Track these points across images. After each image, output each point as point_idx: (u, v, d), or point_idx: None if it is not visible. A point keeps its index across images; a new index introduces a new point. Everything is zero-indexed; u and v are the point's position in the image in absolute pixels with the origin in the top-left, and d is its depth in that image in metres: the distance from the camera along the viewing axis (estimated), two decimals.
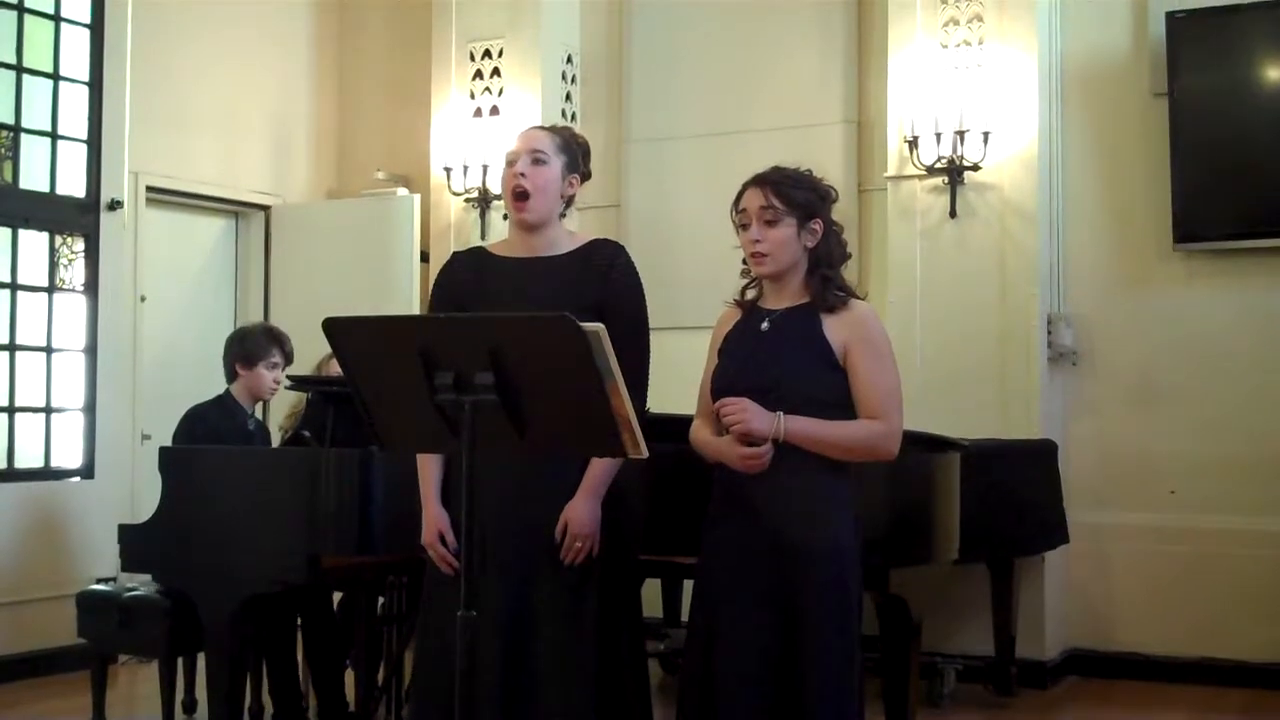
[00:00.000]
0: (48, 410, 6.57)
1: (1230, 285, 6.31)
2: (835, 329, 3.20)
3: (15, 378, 6.43)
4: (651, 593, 5.53)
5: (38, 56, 6.56)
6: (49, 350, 6.58)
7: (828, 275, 3.25)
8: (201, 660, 5.01)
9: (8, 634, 6.18)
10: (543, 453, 3.11)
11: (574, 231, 3.67)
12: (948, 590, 5.87)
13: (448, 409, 2.66)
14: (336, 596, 5.44)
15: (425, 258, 7.64)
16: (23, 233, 6.50)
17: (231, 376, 5.29)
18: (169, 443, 5.11)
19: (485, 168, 7.26)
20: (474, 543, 2.82)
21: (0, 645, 6.17)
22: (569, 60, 7.49)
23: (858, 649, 3.17)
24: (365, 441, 4.00)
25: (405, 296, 7.59)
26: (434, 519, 3.39)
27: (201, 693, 5.08)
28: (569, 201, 3.52)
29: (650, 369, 3.44)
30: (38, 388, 6.54)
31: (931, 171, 6.29)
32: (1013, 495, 5.64)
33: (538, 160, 3.42)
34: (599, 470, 3.31)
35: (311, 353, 5.54)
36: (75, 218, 6.66)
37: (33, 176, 6.55)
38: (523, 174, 3.41)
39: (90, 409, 6.67)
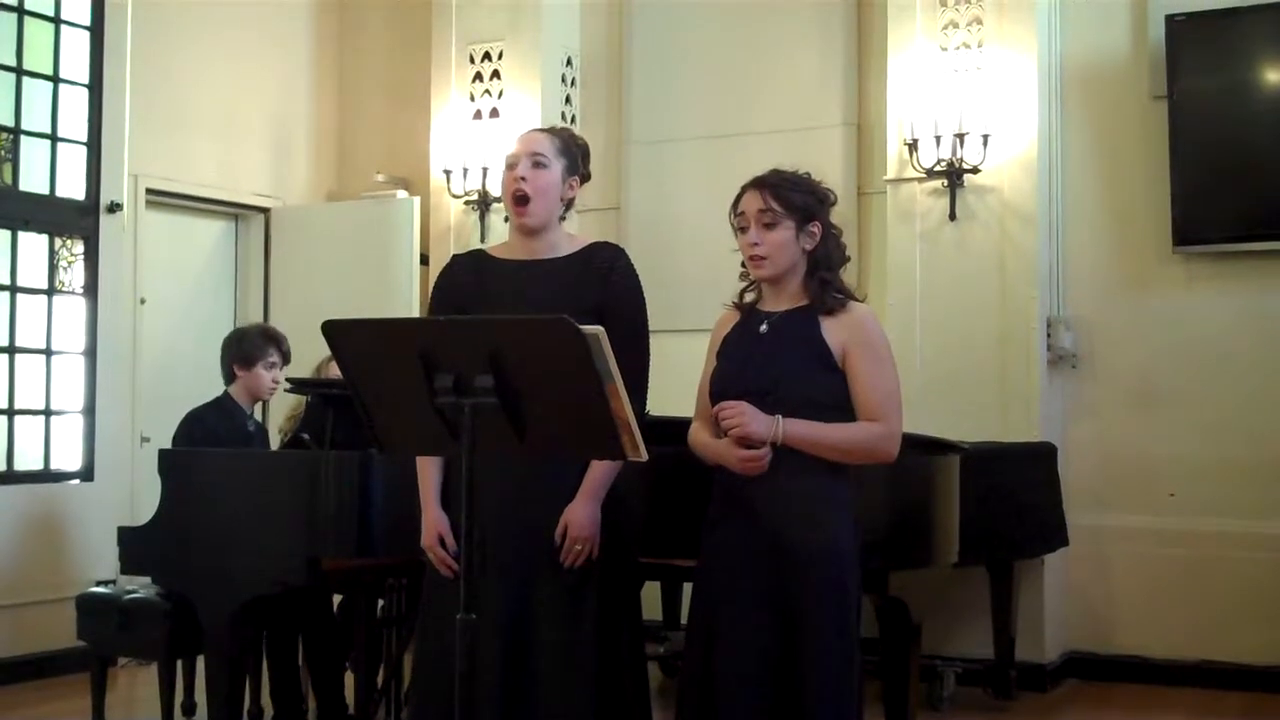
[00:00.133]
0: (47, 412, 6.58)
1: (1230, 288, 6.31)
2: (834, 331, 3.20)
3: (15, 380, 6.44)
4: (651, 595, 5.53)
5: (38, 58, 6.57)
6: (48, 352, 6.59)
7: (826, 278, 3.25)
8: (201, 663, 5.00)
9: (7, 636, 6.18)
10: (542, 455, 3.11)
11: (574, 234, 3.67)
12: (947, 593, 5.87)
13: (447, 411, 2.66)
14: (336, 599, 5.44)
15: (425, 260, 7.64)
16: (22, 235, 6.51)
17: (230, 378, 5.29)
18: (168, 445, 5.10)
19: (485, 170, 7.26)
20: (474, 545, 2.82)
21: (0, 647, 6.17)
22: (569, 63, 7.49)
23: (857, 651, 3.17)
24: (365, 444, 4.00)
25: (405, 299, 7.59)
26: (434, 521, 3.39)
27: (201, 695, 5.06)
28: (569, 204, 3.52)
29: (650, 371, 3.44)
30: (37, 390, 6.54)
31: (931, 174, 6.29)
32: (1012, 498, 5.64)
33: (538, 164, 3.42)
34: (599, 473, 3.30)
35: (311, 355, 5.54)
36: (75, 220, 6.67)
37: (32, 178, 6.56)
38: (523, 178, 3.40)
39: (90, 411, 6.67)
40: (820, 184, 3.32)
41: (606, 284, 3.39)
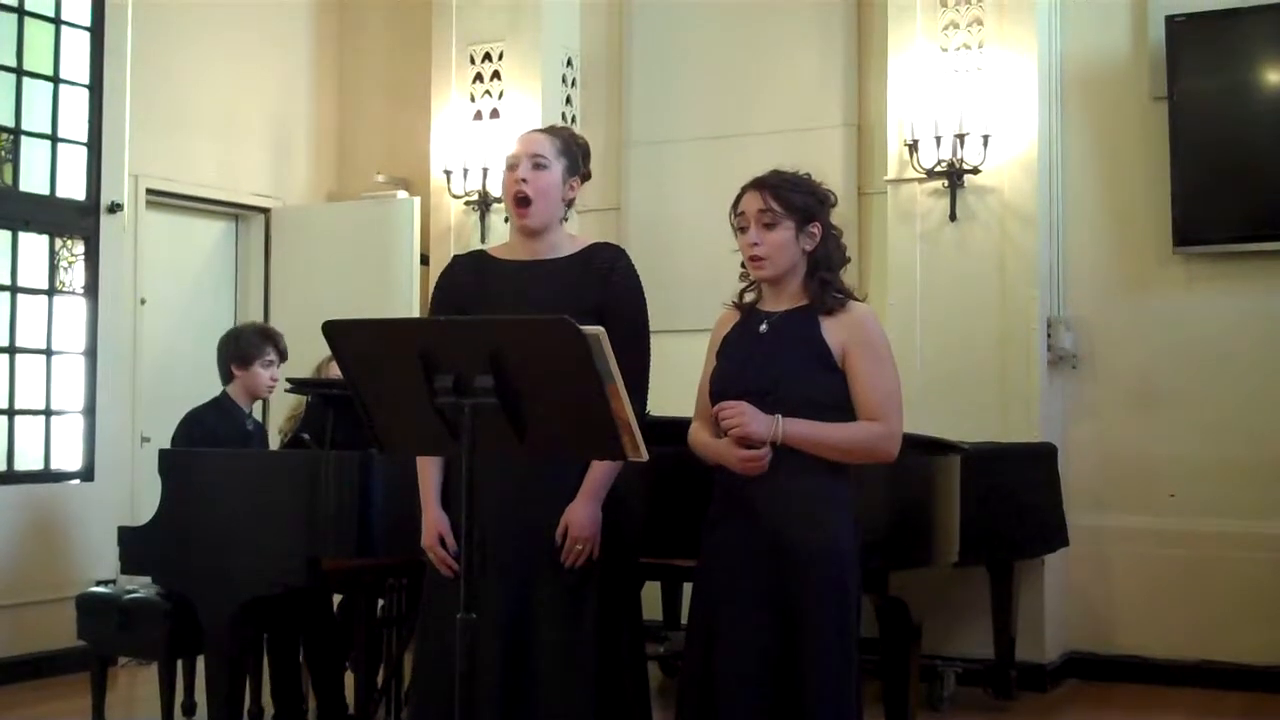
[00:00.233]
0: (47, 413, 6.58)
1: (1230, 288, 6.32)
2: (834, 331, 3.20)
3: (15, 380, 6.44)
4: (651, 595, 5.53)
5: (38, 59, 6.57)
6: (49, 353, 6.59)
7: (826, 278, 3.25)
8: (201, 663, 5.00)
9: (7, 636, 6.19)
10: (543, 456, 3.11)
11: (575, 235, 3.67)
12: (948, 593, 5.87)
13: (448, 412, 2.66)
14: (337, 598, 5.44)
15: (425, 260, 7.64)
16: (23, 235, 6.51)
17: (228, 378, 5.29)
18: (168, 445, 5.10)
19: (485, 170, 7.26)
20: (474, 545, 2.82)
21: (0, 647, 6.17)
22: (569, 63, 7.49)
23: (856, 650, 3.17)
24: (365, 444, 4.00)
25: (405, 299, 7.60)
26: (434, 521, 3.39)
27: (201, 695, 5.06)
28: (570, 204, 3.52)
29: (650, 371, 3.44)
30: (38, 390, 6.54)
31: (931, 175, 6.29)
32: (1013, 498, 5.64)
33: (538, 165, 3.42)
34: (599, 473, 3.31)
35: (311, 355, 5.54)
36: (75, 220, 6.67)
37: (33, 179, 6.56)
38: (524, 180, 3.40)
39: (90, 411, 6.67)
40: (820, 185, 3.32)
41: (607, 284, 3.39)
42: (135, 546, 4.83)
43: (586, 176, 3.56)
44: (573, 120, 7.38)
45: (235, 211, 8.06)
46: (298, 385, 5.15)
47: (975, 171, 6.22)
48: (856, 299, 3.28)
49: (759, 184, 3.27)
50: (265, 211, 8.10)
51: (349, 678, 5.08)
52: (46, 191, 6.60)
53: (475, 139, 7.33)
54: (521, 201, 3.40)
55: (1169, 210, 6.29)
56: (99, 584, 5.43)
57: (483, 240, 7.15)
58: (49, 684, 6.13)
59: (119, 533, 4.93)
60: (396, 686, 4.94)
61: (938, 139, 6.24)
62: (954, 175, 6.24)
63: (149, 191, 7.35)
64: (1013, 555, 5.89)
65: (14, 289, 6.46)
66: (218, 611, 4.50)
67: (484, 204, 7.33)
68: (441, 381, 2.63)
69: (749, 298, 3.36)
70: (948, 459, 4.41)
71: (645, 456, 2.72)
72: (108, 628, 5.00)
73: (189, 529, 4.61)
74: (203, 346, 5.40)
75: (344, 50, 8.51)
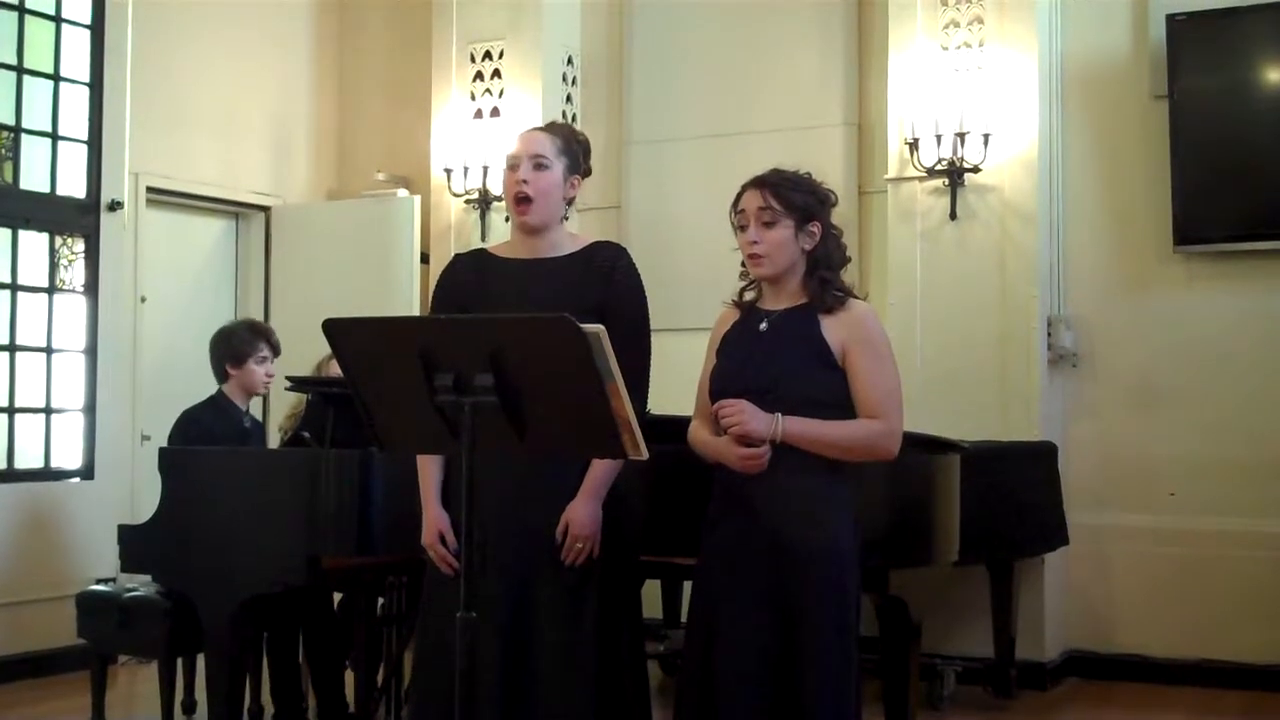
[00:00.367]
0: (47, 411, 6.58)
1: (1230, 287, 6.31)
2: (834, 329, 3.20)
3: (15, 378, 6.44)
4: (651, 594, 5.53)
5: (38, 57, 6.57)
6: (49, 351, 6.59)
7: (826, 277, 3.25)
8: (201, 661, 5.00)
9: (7, 634, 6.19)
10: (543, 454, 3.11)
11: (575, 233, 3.67)
12: (947, 592, 5.87)
13: (448, 410, 2.66)
14: (337, 597, 5.44)
15: (425, 259, 7.64)
16: (23, 233, 6.51)
17: (222, 377, 5.29)
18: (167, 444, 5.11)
19: (485, 169, 7.26)
20: (474, 544, 2.82)
21: (0, 645, 6.17)
22: (569, 61, 7.49)
23: (856, 649, 3.17)
24: (365, 442, 4.00)
25: (405, 298, 7.60)
26: (434, 520, 3.39)
27: (201, 693, 5.07)
28: (570, 202, 3.52)
29: (651, 370, 3.45)
30: (38, 388, 6.54)
31: (932, 173, 6.29)
32: (1013, 497, 5.64)
33: (539, 165, 3.42)
34: (600, 471, 3.31)
35: (311, 353, 5.54)
36: (75, 218, 6.67)
37: (33, 177, 6.56)
38: (525, 180, 3.40)
39: (90, 409, 6.67)
40: (821, 184, 3.32)
41: (608, 283, 3.39)
42: (135, 545, 4.83)
43: (587, 173, 3.56)
44: (573, 119, 7.37)
45: (235, 210, 8.06)
46: (298, 383, 5.15)
47: (976, 170, 6.22)
48: (856, 297, 3.28)
49: (759, 182, 3.27)
50: (265, 210, 8.10)
51: (349, 676, 5.09)
52: (47, 189, 6.60)
53: (475, 137, 7.33)
54: (522, 201, 3.41)
55: (1169, 209, 6.29)
56: (99, 582, 5.43)
57: (483, 239, 7.15)
58: (49, 682, 6.13)
59: (119, 531, 4.93)
60: (396, 685, 4.94)
61: (938, 138, 6.24)
62: (954, 174, 6.24)
63: (149, 189, 7.35)
64: (1013, 554, 5.89)
65: (14, 287, 6.46)
66: (218, 610, 4.50)
67: (484, 202, 7.33)
68: (441, 380, 2.63)
69: (749, 296, 3.36)
70: (948, 458, 4.41)
71: (645, 455, 2.72)
72: (108, 626, 5.00)
73: (189, 527, 4.61)
74: (203, 345, 5.39)
75: (344, 48, 8.51)
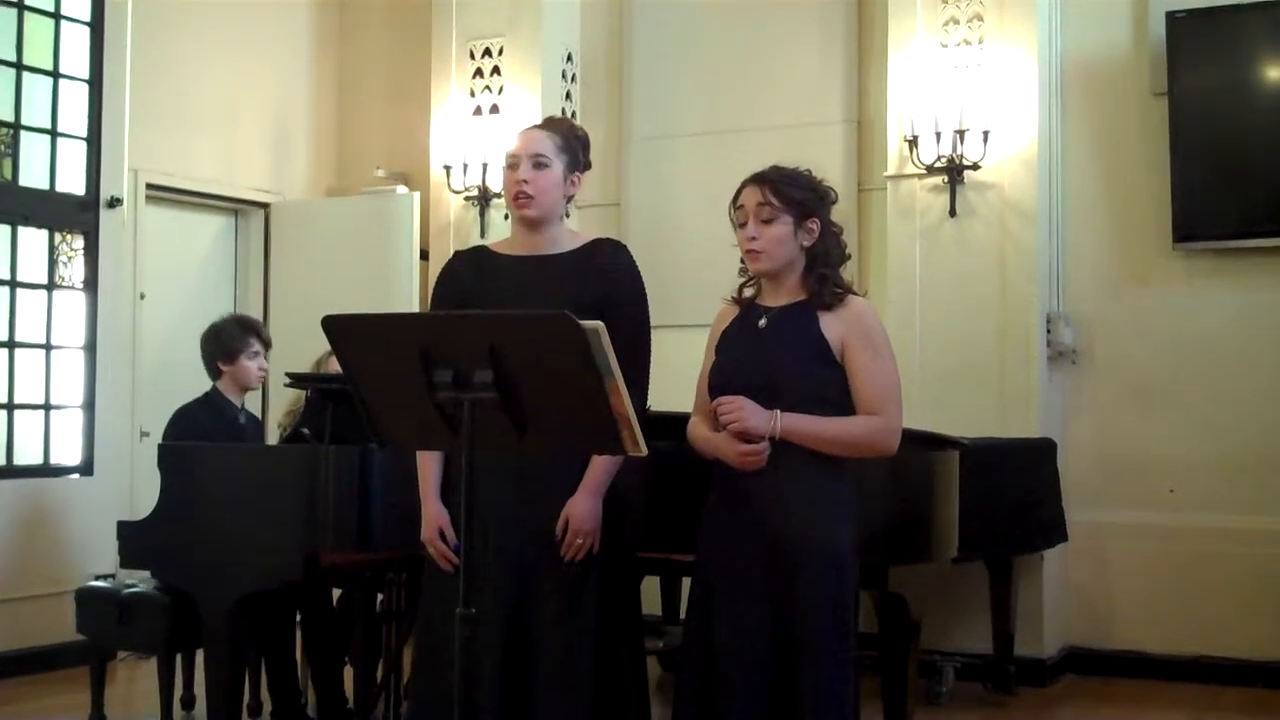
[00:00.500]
0: (47, 407, 6.58)
1: (1230, 284, 6.31)
2: (833, 325, 3.21)
3: (14, 375, 6.44)
4: (650, 591, 5.53)
5: (38, 54, 6.56)
6: (48, 347, 6.58)
7: (825, 273, 3.25)
8: (200, 657, 5.01)
9: (6, 630, 6.19)
10: (542, 451, 3.11)
11: (575, 230, 3.67)
12: (947, 588, 5.88)
13: (447, 407, 2.66)
14: (336, 593, 5.44)
15: (425, 255, 7.64)
16: (22, 230, 6.50)
17: (215, 374, 5.29)
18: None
19: (485, 166, 7.26)
20: (474, 540, 2.82)
21: (0, 641, 6.19)
22: (569, 59, 7.48)
23: (853, 646, 3.18)
24: (364, 439, 4.00)
25: (405, 294, 7.59)
26: (434, 516, 3.39)
27: (200, 689, 5.08)
28: (570, 198, 3.53)
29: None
30: (37, 385, 6.54)
31: (931, 170, 6.29)
32: (1012, 494, 5.64)
33: (539, 164, 3.42)
34: (600, 467, 3.31)
35: (311, 350, 5.54)
36: (75, 215, 6.67)
37: (32, 174, 6.55)
38: (525, 180, 3.41)
39: (89, 406, 6.67)
40: (820, 181, 3.33)
41: (608, 280, 3.40)
42: (134, 541, 4.83)
43: (586, 167, 3.56)
44: (573, 116, 7.36)
45: (235, 206, 8.05)
46: (297, 380, 5.14)
47: (975, 167, 6.22)
48: (855, 293, 3.29)
49: (758, 178, 3.28)
50: (265, 206, 8.09)
51: (348, 672, 5.09)
52: (46, 186, 6.59)
53: (475, 134, 7.33)
54: (523, 201, 3.41)
55: (1169, 206, 6.29)
56: (98, 578, 5.43)
57: (482, 235, 7.15)
58: (48, 678, 6.13)
59: (118, 527, 4.93)
60: (396, 681, 4.94)
61: (938, 135, 6.24)
62: (954, 171, 6.24)
63: (149, 186, 7.35)
64: (1012, 551, 5.89)
65: (13, 283, 6.46)
66: (217, 606, 4.50)
67: (484, 199, 7.33)
68: (441, 376, 2.63)
69: (748, 293, 3.36)
70: (947, 454, 4.42)
71: (644, 451, 2.72)
72: (107, 622, 5.00)
73: (188, 524, 4.61)
74: None
75: (344, 45, 8.50)
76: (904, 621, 4.21)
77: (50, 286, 6.60)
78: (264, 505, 4.45)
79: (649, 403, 3.46)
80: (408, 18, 8.09)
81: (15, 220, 6.47)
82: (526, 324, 2.73)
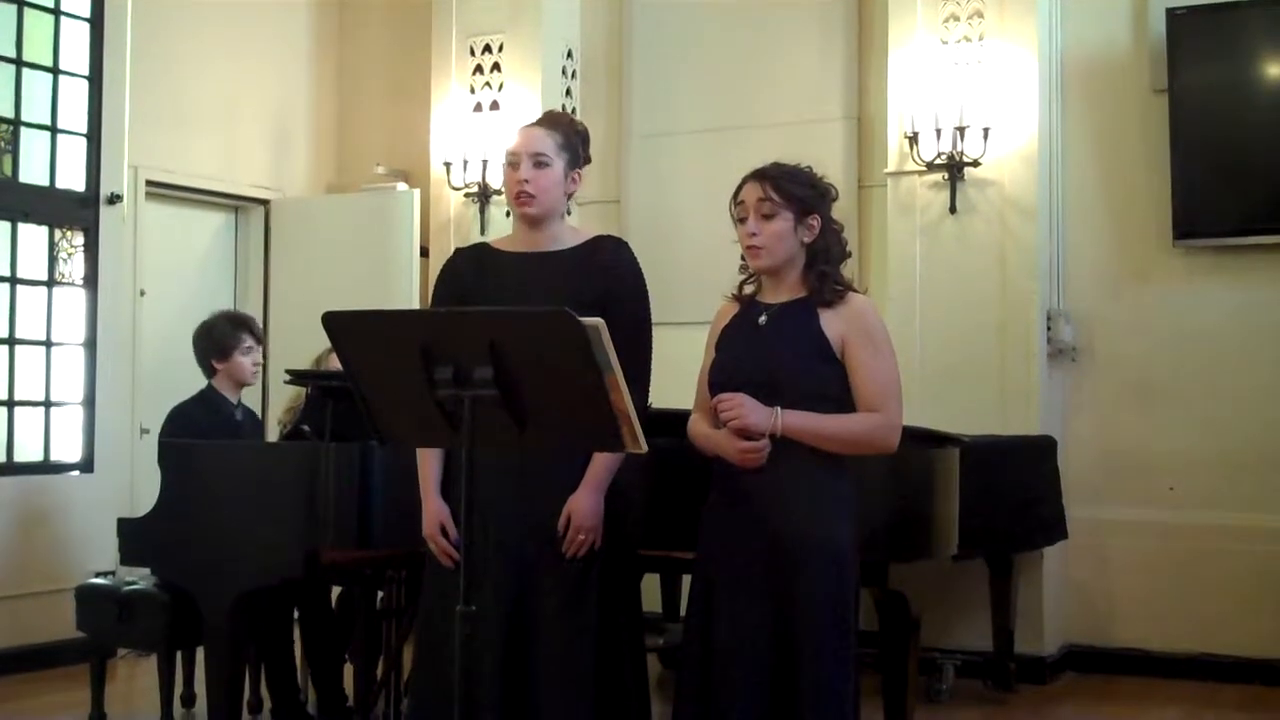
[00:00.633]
0: (47, 404, 6.58)
1: (1230, 281, 6.31)
2: (833, 322, 3.21)
3: (15, 371, 6.43)
4: (650, 588, 5.53)
5: (38, 50, 6.56)
6: (48, 344, 6.58)
7: (825, 270, 3.25)
8: (200, 654, 5.01)
9: (7, 628, 6.19)
10: (542, 447, 3.12)
11: (576, 227, 3.67)
12: (947, 586, 5.88)
13: (447, 403, 2.66)
14: (336, 591, 5.44)
15: (425, 252, 7.64)
16: (22, 226, 6.50)
17: (210, 372, 5.28)
18: None
19: (485, 163, 7.25)
20: (474, 537, 2.82)
21: (0, 638, 6.17)
22: (569, 55, 7.48)
23: (854, 644, 3.18)
24: (364, 436, 4.00)
25: (405, 291, 7.59)
26: (435, 511, 3.39)
27: (200, 686, 5.08)
28: (571, 195, 3.53)
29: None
30: (37, 381, 6.54)
31: (931, 167, 6.29)
32: (1012, 491, 5.64)
33: (540, 164, 3.42)
34: (601, 464, 3.31)
35: (311, 347, 5.54)
36: (75, 211, 6.66)
37: (32, 170, 6.55)
38: (526, 179, 3.40)
39: (89, 403, 6.67)
40: (821, 178, 3.33)
41: (610, 277, 3.40)
42: (134, 538, 4.84)
43: (586, 161, 3.55)
44: (572, 113, 7.36)
45: (235, 203, 8.05)
46: (297, 377, 5.14)
47: (975, 164, 6.22)
48: (856, 290, 3.29)
49: (759, 175, 3.28)
50: (265, 203, 8.09)
51: (348, 669, 5.09)
52: (46, 183, 6.59)
53: (475, 131, 7.32)
54: (524, 200, 3.41)
55: (1169, 203, 6.29)
56: (98, 575, 5.43)
57: (482, 232, 7.15)
58: (48, 676, 6.13)
59: (118, 524, 4.93)
60: (396, 678, 4.94)
61: (938, 132, 6.24)
62: (954, 168, 6.24)
63: (149, 183, 7.34)
64: (1012, 548, 5.89)
65: (13, 280, 6.46)
66: (217, 603, 4.50)
67: (484, 196, 7.33)
68: (441, 373, 2.63)
69: (748, 289, 3.36)
70: (947, 451, 4.41)
71: (645, 449, 2.72)
72: (107, 619, 5.00)
73: (188, 521, 4.61)
74: None
75: (344, 42, 8.50)
76: (904, 619, 4.21)
77: (50, 283, 6.60)
78: (264, 502, 4.45)
79: (650, 400, 3.46)
80: (408, 14, 8.08)
81: (15, 217, 6.47)
82: (527, 321, 2.72)
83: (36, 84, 6.56)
